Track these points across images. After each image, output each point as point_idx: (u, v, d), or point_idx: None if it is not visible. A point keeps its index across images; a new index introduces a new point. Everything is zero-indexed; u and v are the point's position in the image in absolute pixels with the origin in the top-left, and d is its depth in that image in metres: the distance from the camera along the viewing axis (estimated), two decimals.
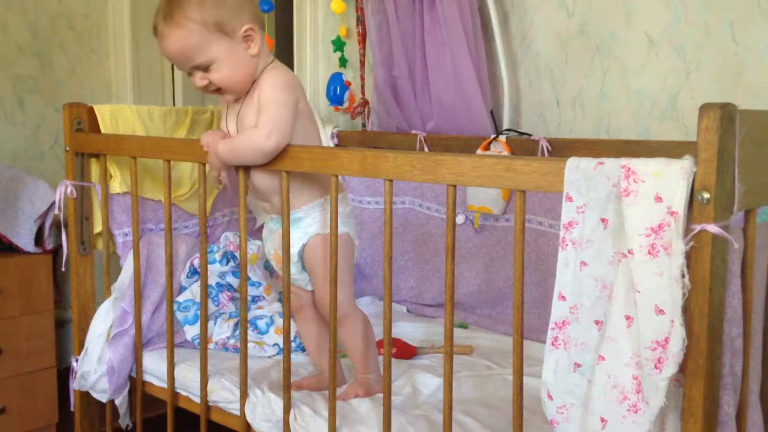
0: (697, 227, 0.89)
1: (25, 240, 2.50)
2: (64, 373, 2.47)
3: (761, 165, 0.98)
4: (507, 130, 2.00)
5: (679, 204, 0.89)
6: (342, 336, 1.56)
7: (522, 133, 1.99)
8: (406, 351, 1.77)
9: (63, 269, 1.93)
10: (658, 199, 0.91)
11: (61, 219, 1.86)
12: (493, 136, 1.95)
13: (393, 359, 1.73)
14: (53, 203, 2.36)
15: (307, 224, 1.51)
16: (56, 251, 2.52)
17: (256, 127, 1.38)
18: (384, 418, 1.27)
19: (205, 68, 1.41)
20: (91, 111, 1.84)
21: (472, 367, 1.69)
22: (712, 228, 0.88)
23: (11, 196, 2.56)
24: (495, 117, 2.02)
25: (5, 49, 2.70)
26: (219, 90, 1.45)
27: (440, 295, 2.10)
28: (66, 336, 2.74)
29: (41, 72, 2.82)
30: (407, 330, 1.93)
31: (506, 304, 1.97)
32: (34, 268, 2.47)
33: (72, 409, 1.89)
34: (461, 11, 1.94)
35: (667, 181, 0.90)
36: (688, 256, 0.90)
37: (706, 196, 0.88)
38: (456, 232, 2.04)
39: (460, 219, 2.04)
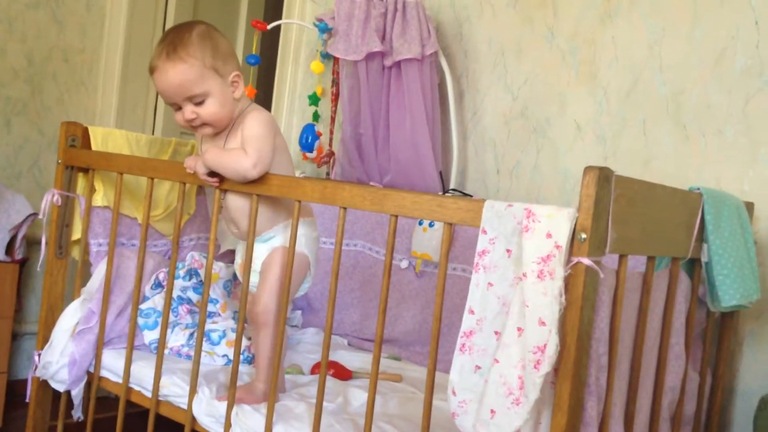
0: (575, 259, 1.14)
1: None
2: (10, 385, 2.56)
3: (633, 221, 1.25)
4: (453, 189, 2.28)
5: (563, 240, 1.15)
6: (256, 339, 1.69)
7: (465, 194, 2.27)
8: (343, 373, 1.97)
9: (39, 268, 2.09)
10: (549, 235, 1.16)
11: (43, 223, 2.03)
12: (440, 194, 2.22)
13: (330, 378, 1.93)
14: (28, 217, 2.52)
15: (275, 240, 1.73)
16: (23, 262, 2.67)
17: (246, 153, 1.57)
18: (315, 418, 1.47)
19: (199, 101, 1.62)
20: (85, 131, 2.05)
21: (399, 391, 1.89)
22: (586, 261, 1.13)
23: None
24: (443, 178, 2.30)
25: (1, 72, 2.88)
26: (202, 125, 1.66)
27: None
28: (16, 351, 2.80)
29: (31, 97, 2.99)
30: (346, 358, 2.12)
31: (438, 343, 2.18)
32: (1, 276, 2.61)
33: (27, 399, 2.02)
34: (423, 84, 2.24)
35: (556, 223, 1.16)
36: (567, 282, 1.15)
37: (584, 236, 1.14)
38: (399, 275, 2.29)
39: (404, 264, 2.28)
